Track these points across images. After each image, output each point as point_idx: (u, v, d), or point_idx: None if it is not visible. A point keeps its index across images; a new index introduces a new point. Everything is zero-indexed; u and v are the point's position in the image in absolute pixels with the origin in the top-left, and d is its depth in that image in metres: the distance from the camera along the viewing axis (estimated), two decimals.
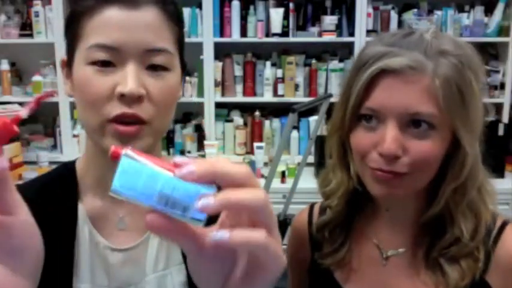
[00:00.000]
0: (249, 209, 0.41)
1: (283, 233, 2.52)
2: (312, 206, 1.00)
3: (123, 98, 0.67)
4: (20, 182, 0.87)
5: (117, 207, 0.78)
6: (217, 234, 0.40)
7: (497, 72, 3.12)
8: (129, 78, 0.67)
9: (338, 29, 3.09)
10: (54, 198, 0.76)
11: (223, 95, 3.19)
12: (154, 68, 0.70)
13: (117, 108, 0.67)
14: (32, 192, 0.73)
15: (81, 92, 0.70)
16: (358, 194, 0.87)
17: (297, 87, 3.17)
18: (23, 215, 0.44)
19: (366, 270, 0.89)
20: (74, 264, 0.75)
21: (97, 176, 0.78)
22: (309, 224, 0.97)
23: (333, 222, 0.91)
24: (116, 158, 0.40)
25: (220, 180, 0.40)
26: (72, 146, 3.14)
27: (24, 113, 0.42)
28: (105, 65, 0.68)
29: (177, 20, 0.74)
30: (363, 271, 0.89)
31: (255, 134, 3.21)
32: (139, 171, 0.39)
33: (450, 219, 0.82)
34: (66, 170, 0.80)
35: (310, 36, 3.11)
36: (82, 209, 0.77)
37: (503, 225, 0.84)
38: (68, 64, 0.74)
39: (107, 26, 0.68)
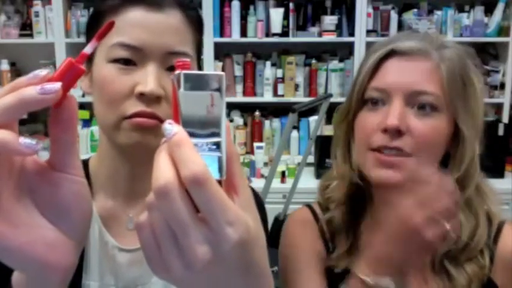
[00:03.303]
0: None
1: None
2: (309, 206, 0.96)
3: (142, 97, 0.68)
4: None
5: (128, 207, 0.78)
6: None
7: (497, 72, 3.12)
8: (149, 78, 0.68)
9: (338, 29, 3.09)
10: None
11: None
12: (173, 70, 0.70)
13: (135, 107, 0.68)
14: None
15: (100, 89, 0.71)
16: (360, 193, 0.87)
17: (297, 87, 3.17)
18: (76, 175, 0.44)
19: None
20: (83, 262, 0.75)
21: (108, 174, 0.78)
22: (315, 219, 0.92)
23: (339, 222, 0.88)
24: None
25: None
26: None
27: (88, 49, 0.43)
28: (126, 63, 0.69)
29: (198, 26, 0.75)
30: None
31: (255, 134, 3.21)
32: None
33: None
34: None
35: (310, 36, 3.11)
36: (94, 208, 0.77)
37: (500, 224, 0.85)
38: (88, 61, 0.74)
39: (131, 25, 0.69)
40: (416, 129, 0.77)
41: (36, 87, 0.39)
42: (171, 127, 0.38)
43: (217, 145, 0.39)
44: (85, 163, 0.81)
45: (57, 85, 0.39)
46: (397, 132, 0.77)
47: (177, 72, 0.39)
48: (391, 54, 0.80)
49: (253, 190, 0.87)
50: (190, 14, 0.73)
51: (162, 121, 0.67)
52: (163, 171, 0.37)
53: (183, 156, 0.37)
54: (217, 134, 0.39)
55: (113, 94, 0.69)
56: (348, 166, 0.87)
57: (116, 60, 0.69)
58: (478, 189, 0.84)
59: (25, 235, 0.41)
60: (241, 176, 0.41)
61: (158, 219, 0.38)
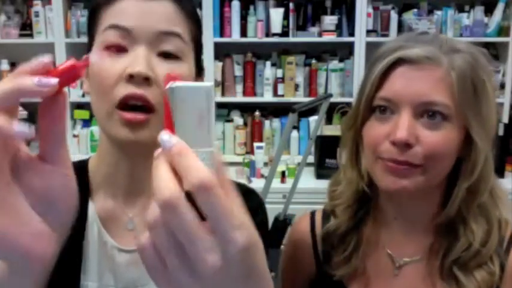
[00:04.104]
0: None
1: (283, 233, 2.52)
2: (312, 214, 0.96)
3: (132, 79, 0.68)
4: None
5: (127, 207, 0.78)
6: None
7: (497, 72, 3.12)
8: (138, 59, 0.68)
9: (338, 29, 3.09)
10: None
11: (223, 95, 3.19)
12: (165, 56, 0.71)
13: (125, 89, 0.68)
14: None
15: (93, 78, 0.72)
16: (366, 198, 0.86)
17: (297, 87, 3.17)
18: (65, 168, 0.46)
19: (380, 281, 0.87)
20: (82, 262, 0.75)
21: (108, 172, 0.78)
22: (312, 233, 0.94)
23: (342, 227, 0.88)
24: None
25: None
26: (72, 146, 3.14)
27: (94, 57, 0.47)
28: (119, 50, 0.70)
29: (192, 18, 0.75)
30: (377, 283, 0.87)
31: (255, 134, 3.21)
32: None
33: (462, 223, 0.80)
34: (79, 169, 0.81)
35: (310, 36, 3.11)
36: (92, 207, 0.77)
37: None
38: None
39: (123, 12, 0.70)
40: (426, 140, 0.74)
41: (34, 78, 0.40)
42: (168, 138, 0.39)
43: (208, 154, 0.40)
44: (84, 163, 0.82)
45: (54, 81, 0.41)
46: (406, 146, 0.74)
47: (168, 85, 0.40)
48: (398, 61, 0.76)
49: (253, 190, 0.87)
50: (184, 5, 0.74)
51: (151, 109, 0.68)
52: (166, 183, 0.37)
53: (188, 164, 0.37)
54: (208, 144, 0.40)
55: (104, 81, 0.70)
56: (355, 172, 0.86)
57: (108, 48, 0.70)
58: (492, 194, 0.82)
59: (13, 224, 0.41)
60: (229, 184, 0.41)
61: (162, 235, 0.38)
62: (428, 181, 0.78)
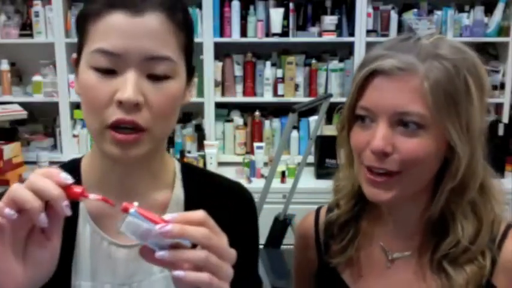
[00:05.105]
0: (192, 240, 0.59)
1: (283, 233, 2.53)
2: (318, 209, 1.00)
3: (122, 104, 0.68)
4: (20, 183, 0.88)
5: (121, 205, 0.78)
6: (175, 272, 0.58)
7: (497, 72, 3.12)
8: (128, 85, 0.67)
9: (338, 29, 3.10)
10: None
11: (223, 95, 3.19)
12: (155, 77, 0.70)
13: (115, 114, 0.68)
14: None
15: (83, 95, 0.72)
16: (362, 194, 0.88)
17: (297, 87, 3.17)
18: (57, 240, 0.63)
19: (373, 272, 0.90)
20: (73, 262, 0.75)
21: (100, 173, 0.78)
22: (316, 226, 0.97)
23: (342, 217, 0.92)
24: (125, 211, 0.58)
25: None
26: (72, 146, 3.14)
27: (92, 197, 0.61)
28: (107, 72, 0.69)
29: (184, 27, 0.74)
30: (370, 273, 0.90)
31: (255, 134, 3.22)
32: (139, 225, 0.59)
33: (452, 220, 0.82)
34: (71, 168, 0.81)
35: (310, 36, 3.11)
36: (83, 207, 0.77)
37: (507, 228, 0.84)
38: (77, 64, 0.75)
39: (110, 31, 0.69)
40: (402, 148, 0.77)
41: (65, 201, 0.58)
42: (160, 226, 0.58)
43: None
44: (77, 162, 0.82)
45: (68, 212, 0.59)
46: (383, 154, 0.77)
47: (123, 216, 0.58)
48: (374, 72, 0.78)
49: (240, 185, 0.89)
50: (176, 16, 0.72)
51: (142, 129, 0.69)
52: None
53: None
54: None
55: (94, 102, 0.69)
56: (352, 171, 0.88)
57: (96, 68, 0.69)
58: (484, 191, 0.83)
59: (6, 274, 0.60)
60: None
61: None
62: (408, 188, 0.80)
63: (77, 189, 0.60)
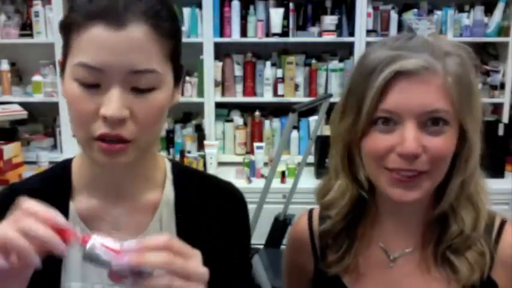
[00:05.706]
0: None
1: (283, 233, 2.53)
2: (310, 212, 0.99)
3: (107, 120, 0.67)
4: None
5: (112, 207, 0.78)
6: None
7: (497, 72, 3.12)
8: (112, 101, 0.67)
9: (338, 29, 3.10)
10: (45, 198, 0.77)
11: (223, 95, 3.19)
12: (140, 90, 0.69)
13: (101, 129, 0.68)
14: (25, 191, 0.73)
15: (69, 105, 0.71)
16: (361, 200, 0.88)
17: (297, 87, 3.17)
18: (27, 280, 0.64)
19: (375, 273, 0.89)
20: (63, 263, 0.75)
21: (90, 174, 0.78)
22: (310, 231, 0.96)
23: (336, 228, 0.90)
24: (84, 244, 0.61)
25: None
26: (72, 146, 3.13)
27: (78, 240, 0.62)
28: (91, 86, 0.68)
29: (170, 35, 0.72)
30: (372, 274, 0.89)
31: (255, 134, 3.22)
32: (98, 256, 0.61)
33: (452, 213, 0.84)
34: (62, 168, 0.81)
35: (310, 36, 3.11)
36: (73, 208, 0.78)
37: (502, 223, 0.86)
38: (62, 69, 0.73)
39: (92, 45, 0.67)
40: (431, 147, 0.77)
41: (62, 245, 0.60)
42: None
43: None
44: (68, 163, 0.82)
45: (64, 252, 0.61)
46: (414, 157, 0.77)
47: (83, 248, 0.61)
48: (397, 74, 0.76)
49: (232, 185, 0.88)
50: (161, 25, 0.70)
51: (128, 141, 0.69)
52: None
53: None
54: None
55: (80, 115, 0.69)
56: (349, 180, 0.87)
57: (80, 82, 0.68)
58: (476, 186, 0.85)
59: None
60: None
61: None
62: (434, 184, 0.81)
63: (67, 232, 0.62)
